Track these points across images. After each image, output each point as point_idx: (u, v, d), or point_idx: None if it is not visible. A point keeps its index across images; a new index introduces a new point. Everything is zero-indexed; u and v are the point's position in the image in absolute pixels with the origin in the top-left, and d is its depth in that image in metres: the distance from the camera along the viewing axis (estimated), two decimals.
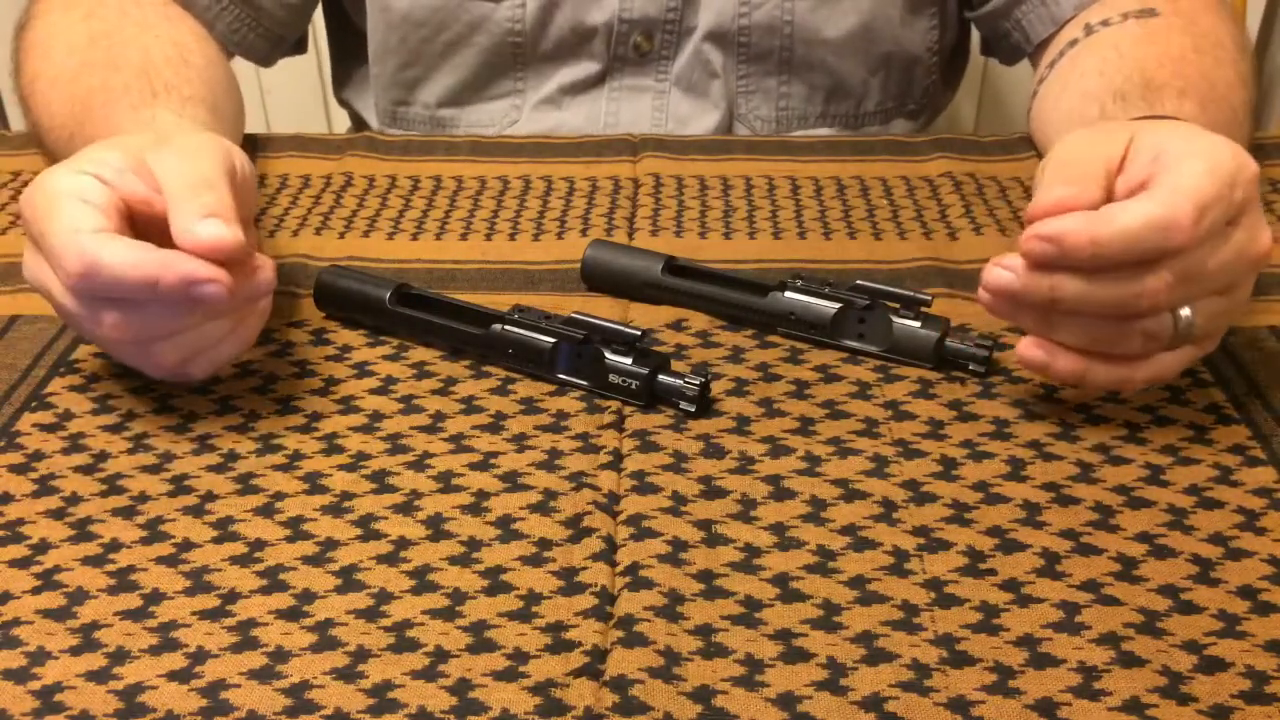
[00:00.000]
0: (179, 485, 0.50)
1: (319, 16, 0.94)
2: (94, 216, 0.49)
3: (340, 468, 0.51)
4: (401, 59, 0.89)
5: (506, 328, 0.56)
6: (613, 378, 0.54)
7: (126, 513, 0.48)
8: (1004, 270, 0.49)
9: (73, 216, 0.49)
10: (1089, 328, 0.50)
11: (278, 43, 0.87)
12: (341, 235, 0.70)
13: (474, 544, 0.47)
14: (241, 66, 0.84)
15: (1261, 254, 0.50)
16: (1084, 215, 0.47)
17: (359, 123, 1.00)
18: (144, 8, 0.76)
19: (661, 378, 0.54)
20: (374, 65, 0.91)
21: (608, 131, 0.87)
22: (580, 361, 0.56)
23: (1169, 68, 0.67)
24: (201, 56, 0.74)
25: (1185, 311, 0.49)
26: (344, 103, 1.01)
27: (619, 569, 0.45)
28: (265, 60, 0.87)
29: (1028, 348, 0.51)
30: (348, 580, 0.45)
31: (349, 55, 0.97)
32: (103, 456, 0.52)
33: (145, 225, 0.51)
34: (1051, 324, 0.50)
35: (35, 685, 0.41)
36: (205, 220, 0.49)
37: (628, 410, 0.54)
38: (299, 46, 0.92)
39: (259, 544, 0.47)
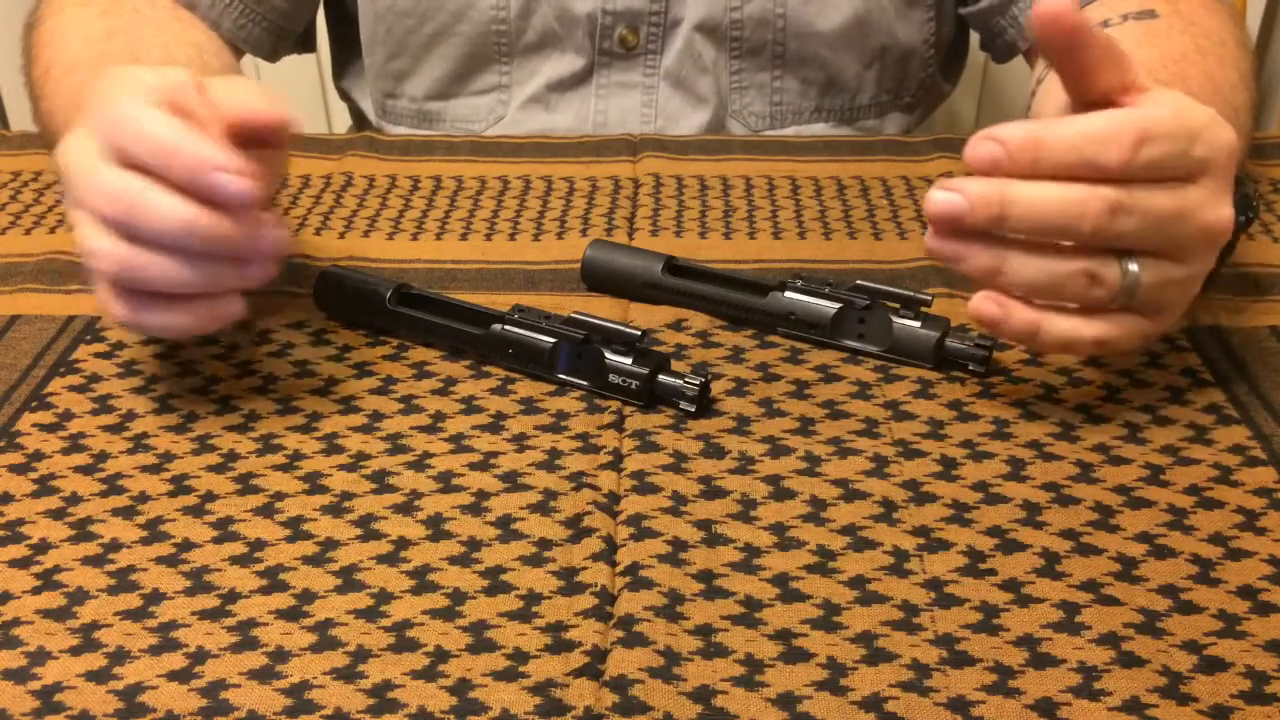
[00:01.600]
0: (179, 485, 0.50)
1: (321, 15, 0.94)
2: (150, 95, 0.49)
3: (340, 468, 0.51)
4: (389, 50, 0.89)
5: (506, 328, 0.56)
6: (613, 378, 0.54)
7: (126, 513, 0.48)
8: (949, 191, 0.48)
9: (132, 87, 0.49)
10: (1037, 267, 0.49)
11: (281, 35, 0.87)
12: (341, 235, 0.70)
13: (474, 544, 0.47)
14: (241, 65, 0.84)
15: (1216, 226, 0.50)
16: (1027, 123, 0.48)
17: (358, 115, 1.00)
18: (157, 9, 0.76)
19: (661, 378, 0.54)
20: (366, 56, 0.91)
21: (597, 131, 0.87)
22: (580, 361, 0.56)
23: (1171, 69, 0.67)
24: (217, 60, 0.74)
25: (1132, 266, 0.49)
26: (343, 93, 1.01)
27: (619, 569, 0.45)
28: (270, 54, 0.87)
29: (980, 302, 0.51)
30: (348, 580, 0.45)
31: (347, 45, 0.97)
32: (103, 456, 0.52)
33: None
34: (999, 263, 0.49)
35: (35, 685, 0.41)
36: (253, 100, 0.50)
37: (628, 410, 0.54)
38: (306, 44, 0.92)
39: (259, 544, 0.47)
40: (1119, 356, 0.58)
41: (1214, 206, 0.50)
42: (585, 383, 0.56)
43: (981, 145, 0.48)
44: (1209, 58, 0.69)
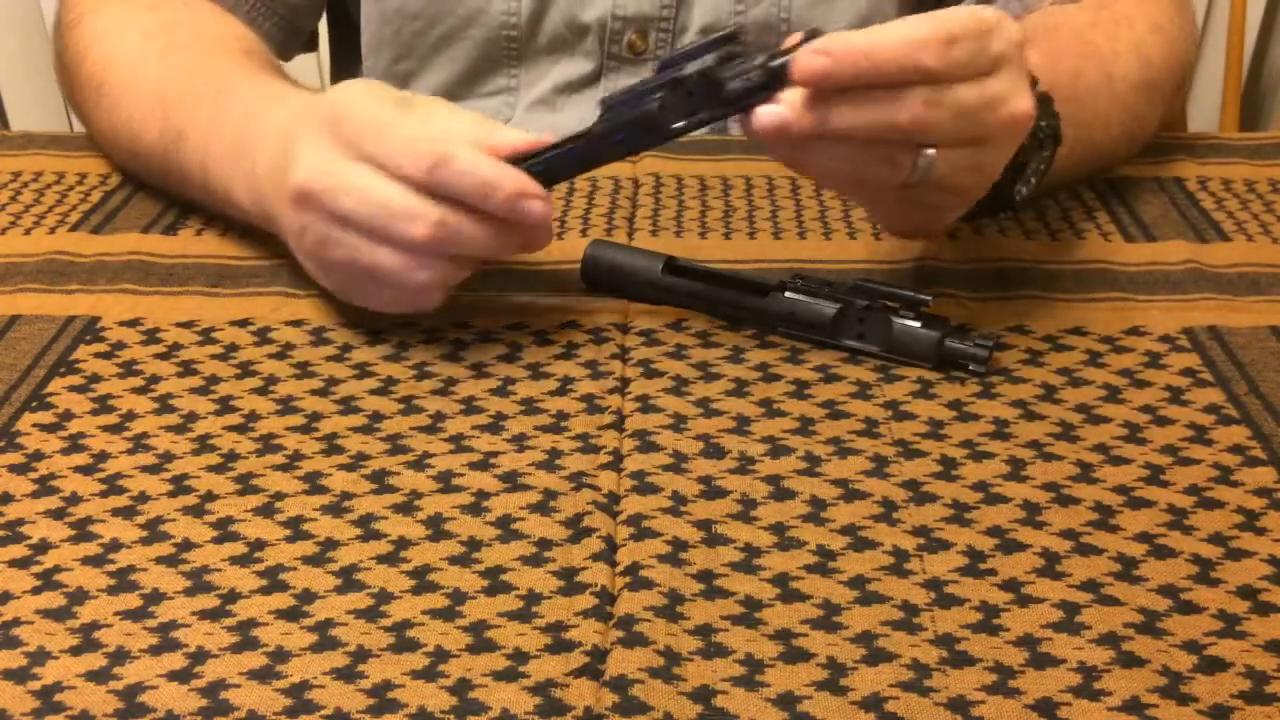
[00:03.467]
0: (179, 485, 0.50)
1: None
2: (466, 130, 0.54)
3: (340, 468, 0.51)
4: (395, 52, 0.88)
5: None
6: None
7: (126, 513, 0.48)
8: (774, 105, 0.52)
9: (449, 118, 0.55)
10: (840, 155, 0.53)
11: (293, 33, 0.87)
12: None
13: (474, 544, 0.47)
14: None
15: (1018, 115, 0.53)
16: (850, 34, 0.51)
17: None
18: (193, 7, 0.76)
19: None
20: (367, 59, 0.91)
21: None
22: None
23: (1040, 31, 0.70)
24: (270, 57, 0.75)
25: (926, 155, 0.52)
26: None
27: (619, 569, 0.45)
28: (280, 50, 0.87)
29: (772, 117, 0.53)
30: (348, 580, 0.45)
31: (348, 52, 0.97)
32: (103, 456, 0.52)
33: None
34: (810, 153, 0.53)
35: (35, 685, 0.41)
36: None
37: (628, 409, 0.54)
38: (311, 43, 0.92)
39: (259, 544, 0.47)
40: (918, 229, 0.61)
41: (1014, 97, 0.53)
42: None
43: (811, 59, 0.50)
44: (1098, 30, 0.71)
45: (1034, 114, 0.54)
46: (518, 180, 0.53)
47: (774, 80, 0.52)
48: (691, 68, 0.53)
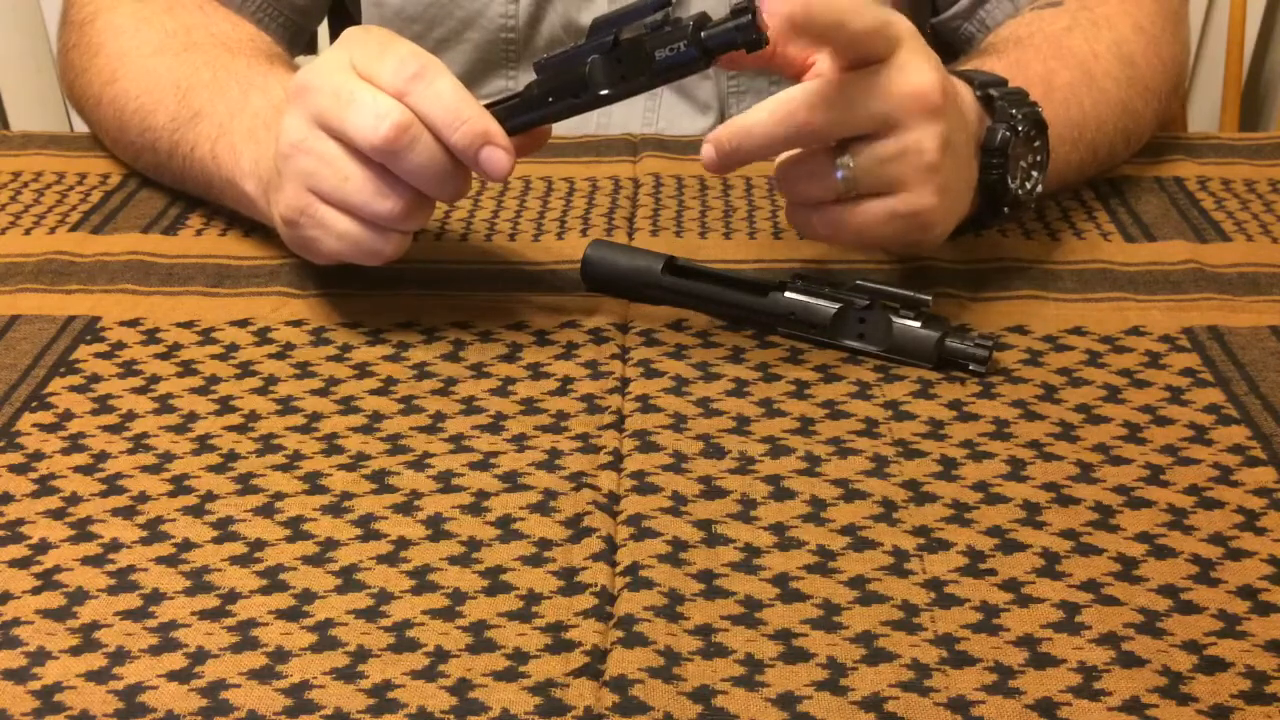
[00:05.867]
0: (179, 485, 0.50)
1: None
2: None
3: (340, 468, 0.51)
4: None
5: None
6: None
7: (126, 513, 0.48)
8: (705, 146, 0.56)
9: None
10: (782, 172, 0.58)
11: (297, 33, 0.87)
12: None
13: (474, 544, 0.47)
14: None
15: (916, 91, 0.54)
16: (730, 122, 0.55)
17: None
18: (208, 11, 0.76)
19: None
20: None
21: (600, 134, 0.87)
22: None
23: (1010, 42, 0.70)
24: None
25: (842, 159, 0.54)
26: None
27: (619, 569, 0.45)
28: (285, 52, 0.87)
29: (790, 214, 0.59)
30: (348, 580, 0.45)
31: None
32: (103, 456, 0.52)
33: None
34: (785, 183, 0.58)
35: (35, 685, 0.41)
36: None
37: (627, 409, 0.54)
38: (311, 47, 0.92)
39: (259, 544, 0.47)
40: (915, 244, 0.61)
41: (913, 72, 0.54)
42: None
43: (703, 149, 0.56)
44: (1075, 34, 0.71)
45: (937, 87, 0.54)
46: (489, 122, 0.53)
47: (703, 54, 0.52)
48: (623, 35, 0.53)
